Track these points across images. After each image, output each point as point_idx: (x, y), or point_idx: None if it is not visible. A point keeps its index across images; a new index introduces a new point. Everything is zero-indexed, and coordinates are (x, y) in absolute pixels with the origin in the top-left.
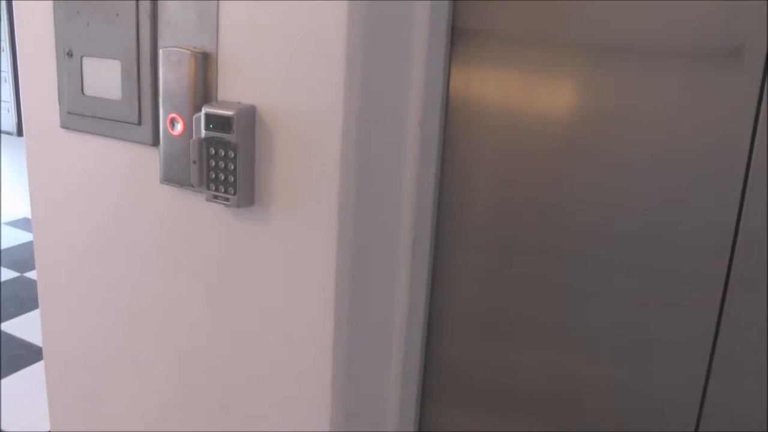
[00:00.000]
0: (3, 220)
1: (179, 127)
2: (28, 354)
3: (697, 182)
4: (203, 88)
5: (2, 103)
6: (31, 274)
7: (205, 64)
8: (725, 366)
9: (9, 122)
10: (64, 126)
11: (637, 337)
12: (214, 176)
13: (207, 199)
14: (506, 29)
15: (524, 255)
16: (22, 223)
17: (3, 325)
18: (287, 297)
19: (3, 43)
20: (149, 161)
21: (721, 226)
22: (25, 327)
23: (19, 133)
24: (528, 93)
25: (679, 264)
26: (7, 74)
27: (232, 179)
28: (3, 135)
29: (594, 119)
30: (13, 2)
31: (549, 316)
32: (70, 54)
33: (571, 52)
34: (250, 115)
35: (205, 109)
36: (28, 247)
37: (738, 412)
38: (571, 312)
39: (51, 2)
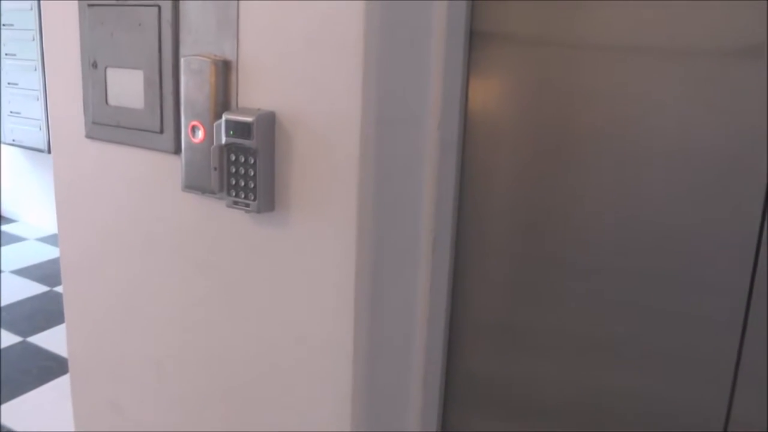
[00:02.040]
0: (34, 237)
1: (200, 134)
2: (57, 366)
3: (719, 187)
4: (224, 96)
5: (34, 120)
6: (60, 289)
7: (225, 71)
8: (750, 379)
9: (40, 139)
10: (89, 136)
11: (662, 349)
12: (234, 182)
13: (228, 206)
14: (524, 31)
15: (545, 262)
16: (52, 239)
17: (32, 338)
18: (308, 301)
19: (35, 63)
20: (171, 169)
21: (744, 232)
22: (53, 339)
23: (50, 150)
24: (548, 95)
25: (702, 274)
26: (39, 93)
27: (252, 185)
28: (34, 152)
29: (615, 122)
30: (42, 14)
31: (571, 325)
32: (94, 65)
33: (590, 53)
34: (269, 121)
35: (225, 116)
36: (57, 262)
37: (765, 426)
38: (593, 322)
39: (77, 14)
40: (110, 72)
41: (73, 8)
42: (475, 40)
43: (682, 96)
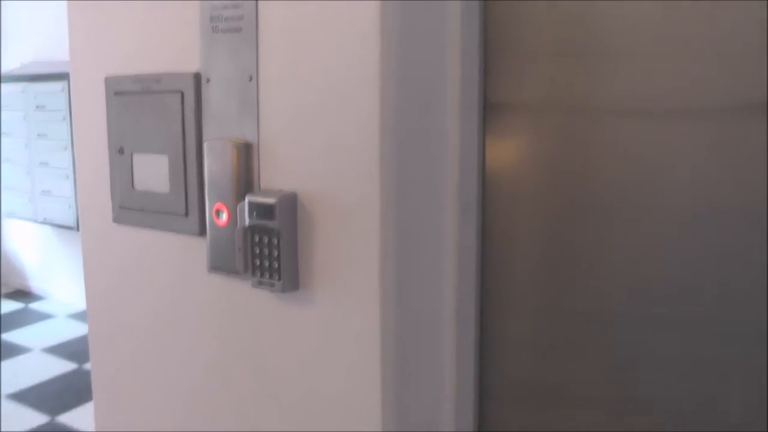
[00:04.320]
0: (64, 313)
1: (224, 216)
2: None
3: (734, 241)
4: (246, 177)
5: (64, 198)
6: (89, 366)
7: (247, 153)
8: None
9: (70, 217)
10: (117, 220)
11: (695, 403)
12: (258, 263)
13: (253, 286)
14: (538, 100)
15: (569, 318)
16: (81, 316)
17: (61, 416)
18: (334, 377)
19: (66, 142)
20: (197, 250)
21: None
22: (82, 418)
23: (79, 227)
24: (564, 159)
25: (730, 321)
26: (69, 171)
27: (276, 265)
28: (63, 230)
29: (630, 182)
30: (71, 104)
31: (602, 381)
32: (121, 151)
33: (603, 118)
34: (291, 202)
35: (248, 198)
36: (86, 339)
37: None
38: (621, 375)
39: (104, 102)
40: (136, 157)
41: (100, 96)
42: (490, 111)
43: (696, 154)
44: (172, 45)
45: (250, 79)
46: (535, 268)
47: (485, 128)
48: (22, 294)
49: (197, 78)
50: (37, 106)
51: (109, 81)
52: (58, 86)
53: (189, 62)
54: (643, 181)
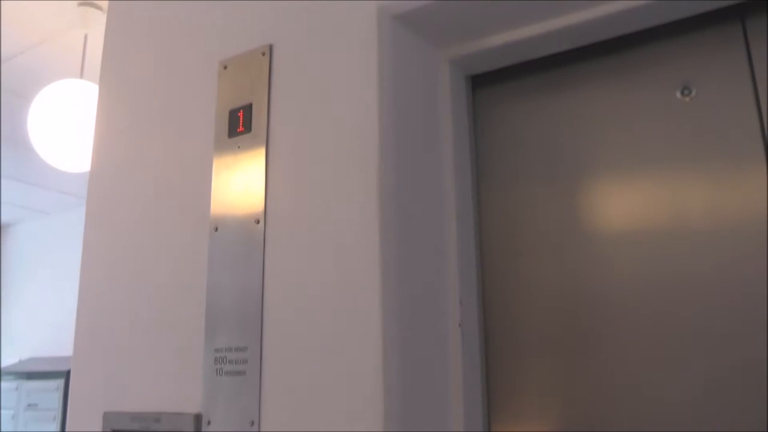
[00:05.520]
0: None
1: None
2: None
3: None
4: None
5: None
6: None
7: None
8: None
9: None
10: None
11: None
12: None
13: None
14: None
15: None
16: None
17: None
18: None
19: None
20: None
21: None
22: None
23: None
24: None
25: None
26: None
27: None
28: None
29: None
30: None
31: None
32: None
33: None
34: None
35: None
36: None
37: None
38: None
39: None
40: None
41: None
42: None
43: None
44: (174, 384)
45: (252, 424)
46: None
47: None
48: None
49: (198, 419)
50: (28, 405)
51: (107, 416)
52: (53, 384)
53: (190, 403)
54: None
